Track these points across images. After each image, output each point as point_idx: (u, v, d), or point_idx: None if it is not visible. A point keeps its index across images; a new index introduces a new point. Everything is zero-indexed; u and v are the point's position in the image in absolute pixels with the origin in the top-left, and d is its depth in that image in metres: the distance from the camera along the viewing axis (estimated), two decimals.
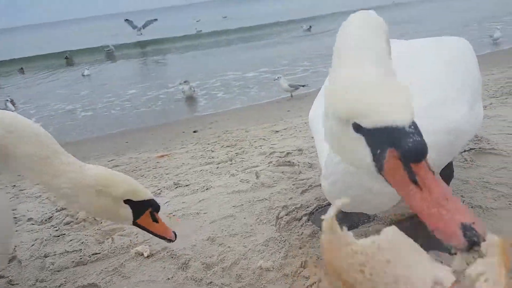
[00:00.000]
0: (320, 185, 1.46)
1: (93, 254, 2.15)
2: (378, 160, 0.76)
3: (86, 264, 2.09)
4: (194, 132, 5.99)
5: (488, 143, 2.69)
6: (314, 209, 2.29)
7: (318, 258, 1.82)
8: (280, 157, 3.37)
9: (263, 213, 2.37)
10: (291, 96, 8.26)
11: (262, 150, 3.83)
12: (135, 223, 1.46)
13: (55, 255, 2.19)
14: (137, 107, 9.40)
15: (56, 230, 2.45)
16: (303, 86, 8.18)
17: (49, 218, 2.68)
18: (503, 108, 3.48)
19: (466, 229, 0.61)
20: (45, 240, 2.35)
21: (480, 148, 2.64)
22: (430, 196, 0.67)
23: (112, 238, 2.29)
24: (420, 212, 0.68)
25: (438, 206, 0.66)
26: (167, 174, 3.59)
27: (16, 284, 1.99)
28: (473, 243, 0.60)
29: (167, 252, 2.10)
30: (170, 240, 1.56)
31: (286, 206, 2.37)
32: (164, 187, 3.10)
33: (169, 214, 2.49)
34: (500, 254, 0.49)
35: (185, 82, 9.12)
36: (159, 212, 1.54)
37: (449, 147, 1.40)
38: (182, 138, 5.65)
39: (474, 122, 1.52)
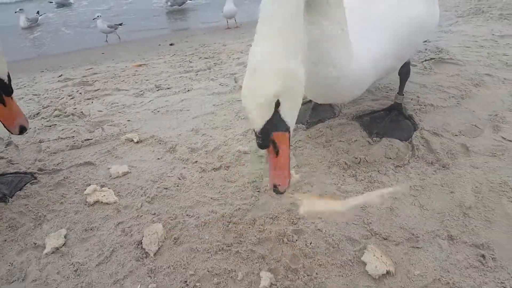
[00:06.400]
0: None
1: (85, 140, 2.35)
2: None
3: (80, 148, 2.30)
4: (171, 45, 5.92)
5: (447, 54, 2.96)
6: None
7: None
8: None
9: (242, 111, 2.60)
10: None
11: (240, 61, 3.95)
12: None
13: (49, 141, 2.37)
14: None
15: (48, 121, 2.60)
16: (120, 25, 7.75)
17: (37, 114, 2.80)
18: (467, 26, 3.71)
19: (275, 188, 1.14)
20: (38, 129, 2.51)
21: (439, 57, 2.91)
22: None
23: (102, 128, 2.48)
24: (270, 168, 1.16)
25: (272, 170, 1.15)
26: (147, 80, 3.69)
27: (16, 163, 2.18)
28: (278, 192, 1.15)
29: (155, 139, 2.34)
30: (17, 132, 1.38)
31: None
32: (146, 89, 3.23)
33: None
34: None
35: None
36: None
37: (410, 37, 1.75)
38: (158, 50, 5.60)
39: (432, 19, 1.81)
